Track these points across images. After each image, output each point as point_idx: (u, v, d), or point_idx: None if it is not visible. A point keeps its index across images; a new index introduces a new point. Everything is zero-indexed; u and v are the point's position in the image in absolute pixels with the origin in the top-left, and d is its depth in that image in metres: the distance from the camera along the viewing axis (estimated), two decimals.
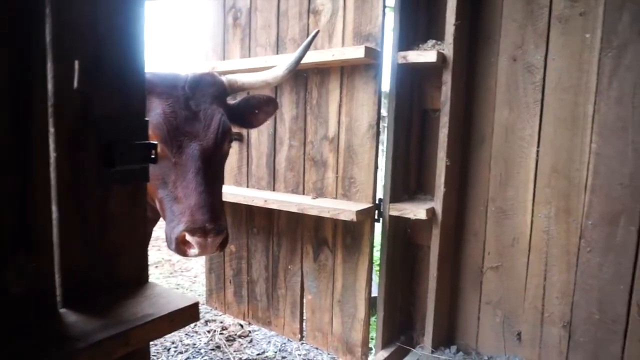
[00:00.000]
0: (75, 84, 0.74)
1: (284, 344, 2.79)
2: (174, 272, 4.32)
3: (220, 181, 1.69)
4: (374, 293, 2.45)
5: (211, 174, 1.57)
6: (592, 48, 2.00)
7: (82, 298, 0.78)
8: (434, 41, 2.27)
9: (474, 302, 2.41)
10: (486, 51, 2.30)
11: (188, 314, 0.82)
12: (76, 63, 0.74)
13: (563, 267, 2.12)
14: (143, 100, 0.89)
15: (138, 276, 0.90)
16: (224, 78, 1.83)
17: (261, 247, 2.87)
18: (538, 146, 2.16)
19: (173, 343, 2.80)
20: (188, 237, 1.46)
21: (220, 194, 1.66)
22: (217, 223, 1.47)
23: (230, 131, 1.69)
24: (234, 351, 2.74)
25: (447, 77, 2.18)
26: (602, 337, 2.04)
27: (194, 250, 1.48)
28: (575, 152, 2.06)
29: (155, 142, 0.88)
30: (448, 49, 2.18)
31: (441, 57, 2.17)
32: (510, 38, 2.22)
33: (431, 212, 2.21)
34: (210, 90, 1.71)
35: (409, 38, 2.30)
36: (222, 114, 1.67)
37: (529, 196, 2.19)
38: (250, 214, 2.89)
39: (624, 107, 1.93)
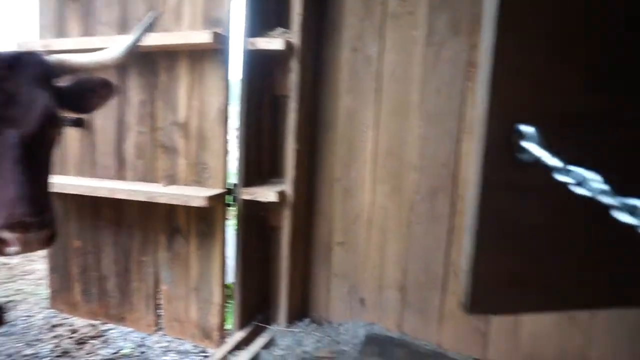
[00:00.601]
0: None
1: (144, 338, 2.68)
2: (13, 276, 3.81)
3: (46, 171, 1.54)
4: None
5: (34, 163, 1.43)
6: (418, 43, 2.27)
7: None
8: (282, 29, 2.33)
9: (324, 276, 2.59)
10: (331, 41, 2.44)
11: None
12: None
13: (398, 238, 2.39)
14: None
15: None
16: (50, 58, 1.66)
17: (110, 241, 2.70)
18: (376, 130, 2.39)
19: (10, 356, 2.51)
20: (5, 234, 1.31)
21: (46, 185, 1.52)
22: (40, 216, 1.35)
23: (56, 116, 1.54)
24: (86, 354, 2.55)
25: (294, 65, 2.28)
26: (427, 295, 2.36)
27: (13, 248, 1.34)
28: (406, 135, 2.33)
29: None
30: (295, 37, 2.26)
31: (289, 45, 2.24)
32: (352, 30, 2.39)
33: (282, 194, 2.31)
34: (32, 70, 1.53)
35: (258, 25, 2.32)
36: (47, 98, 1.52)
37: (369, 176, 2.42)
38: (96, 205, 2.68)
39: (442, 96, 2.23)
